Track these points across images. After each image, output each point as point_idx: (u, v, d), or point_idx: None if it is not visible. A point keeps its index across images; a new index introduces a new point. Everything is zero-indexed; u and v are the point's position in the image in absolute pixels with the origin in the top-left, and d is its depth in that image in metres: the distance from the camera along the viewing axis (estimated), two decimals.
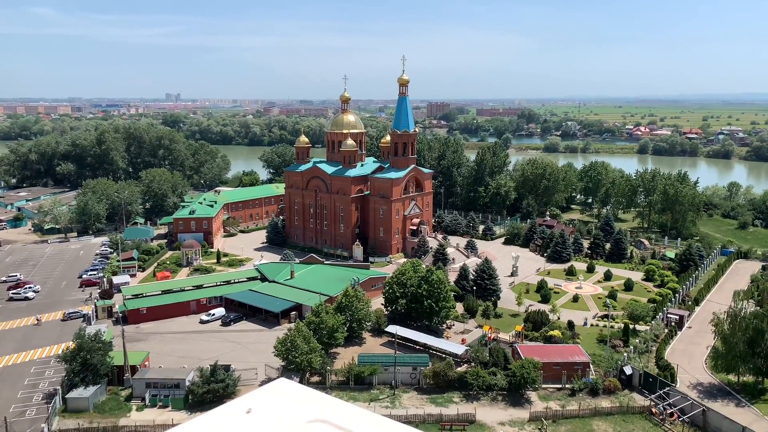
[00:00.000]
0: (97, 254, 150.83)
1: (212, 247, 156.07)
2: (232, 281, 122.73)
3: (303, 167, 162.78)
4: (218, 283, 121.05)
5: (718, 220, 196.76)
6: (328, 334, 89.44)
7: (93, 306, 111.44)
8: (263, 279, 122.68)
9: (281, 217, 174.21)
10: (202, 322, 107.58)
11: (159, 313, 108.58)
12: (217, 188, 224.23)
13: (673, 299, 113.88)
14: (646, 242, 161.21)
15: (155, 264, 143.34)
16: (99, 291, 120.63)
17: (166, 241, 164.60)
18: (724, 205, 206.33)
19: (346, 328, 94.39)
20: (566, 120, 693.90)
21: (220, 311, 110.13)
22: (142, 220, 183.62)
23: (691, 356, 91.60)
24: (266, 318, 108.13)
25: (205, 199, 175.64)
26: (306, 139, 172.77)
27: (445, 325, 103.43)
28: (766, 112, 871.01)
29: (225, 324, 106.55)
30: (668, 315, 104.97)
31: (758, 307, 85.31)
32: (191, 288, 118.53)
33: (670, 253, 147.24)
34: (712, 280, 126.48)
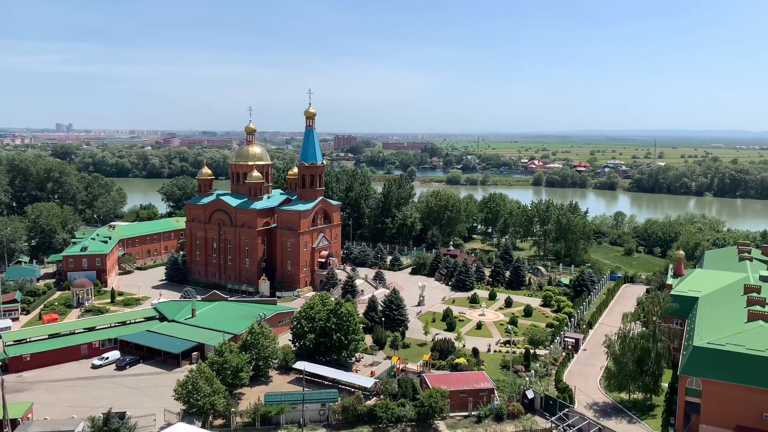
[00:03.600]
0: None
1: (106, 286, 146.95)
2: (128, 322, 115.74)
3: (205, 200, 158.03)
4: (112, 325, 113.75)
5: (607, 247, 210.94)
6: (232, 375, 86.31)
7: None
8: (162, 318, 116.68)
9: (182, 253, 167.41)
10: (94, 366, 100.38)
11: (45, 359, 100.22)
12: (112, 223, 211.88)
13: (569, 323, 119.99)
14: (543, 269, 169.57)
15: (41, 306, 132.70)
16: None
17: (54, 280, 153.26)
18: (612, 233, 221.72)
19: (251, 367, 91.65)
20: (466, 154, 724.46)
21: (114, 354, 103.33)
22: (26, 259, 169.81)
23: (587, 377, 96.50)
24: (166, 360, 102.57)
25: (98, 235, 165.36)
26: (209, 171, 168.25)
27: (354, 359, 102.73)
28: (645, 147, 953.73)
29: (120, 368, 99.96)
30: (565, 339, 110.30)
31: (644, 328, 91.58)
32: (82, 331, 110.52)
33: (565, 280, 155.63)
34: (603, 304, 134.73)
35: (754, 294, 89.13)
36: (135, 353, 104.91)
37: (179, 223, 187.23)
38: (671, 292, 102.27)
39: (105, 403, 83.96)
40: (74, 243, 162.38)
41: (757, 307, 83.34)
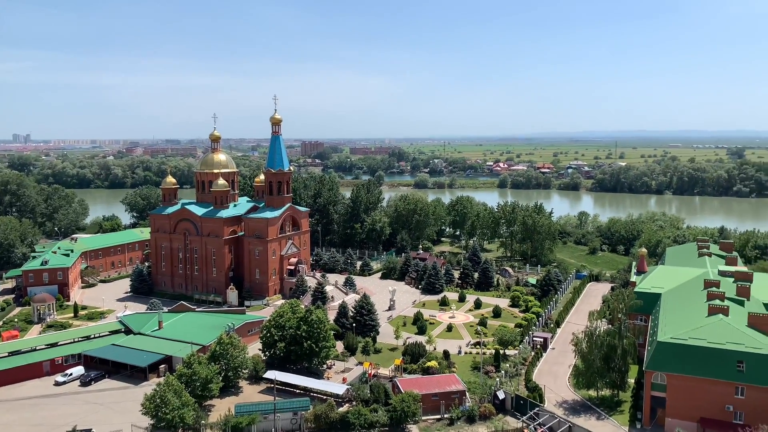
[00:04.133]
0: None
1: (69, 301, 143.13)
2: (93, 336, 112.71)
3: (170, 209, 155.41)
4: (76, 340, 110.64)
5: (572, 246, 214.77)
6: (201, 386, 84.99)
7: None
8: (128, 332, 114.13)
9: (147, 264, 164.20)
10: (57, 383, 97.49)
11: (5, 377, 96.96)
12: (74, 236, 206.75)
13: (537, 323, 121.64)
14: (510, 270, 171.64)
15: (0, 323, 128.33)
16: None
17: (13, 296, 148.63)
18: (576, 232, 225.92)
19: (221, 378, 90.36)
20: (433, 158, 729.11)
21: (78, 370, 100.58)
22: None
23: (556, 376, 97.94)
24: (132, 374, 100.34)
25: (59, 248, 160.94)
26: (173, 180, 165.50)
27: (325, 366, 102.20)
28: (606, 148, 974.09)
29: (84, 384, 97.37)
30: (534, 338, 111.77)
31: (610, 325, 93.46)
32: (44, 347, 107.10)
33: (532, 280, 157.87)
34: (569, 303, 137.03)
35: (714, 289, 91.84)
36: (100, 368, 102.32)
37: (144, 233, 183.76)
38: (635, 289, 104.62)
39: (70, 420, 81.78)
40: (34, 257, 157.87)
41: (717, 302, 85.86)
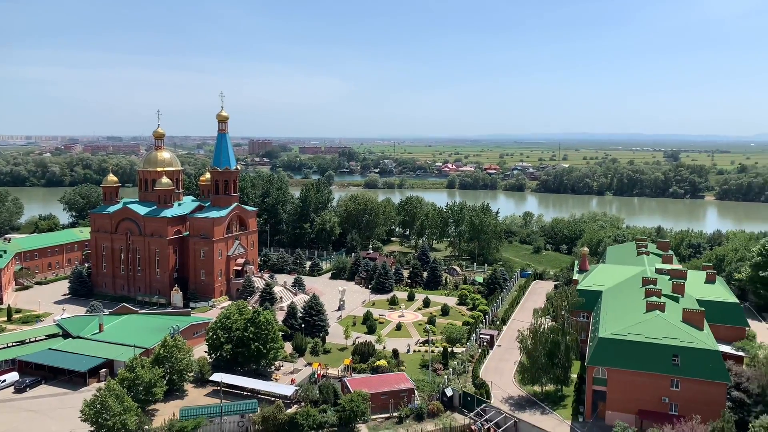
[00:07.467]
0: None
1: (1, 304, 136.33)
2: (28, 341, 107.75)
3: (112, 209, 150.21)
4: (9, 344, 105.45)
5: (517, 245, 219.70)
6: (144, 390, 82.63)
7: None
8: (66, 335, 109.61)
9: (87, 265, 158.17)
10: None
11: None
12: (7, 236, 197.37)
13: (484, 320, 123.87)
14: (458, 269, 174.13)
15: None
16: None
17: None
18: (521, 232, 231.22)
19: (165, 382, 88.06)
20: (383, 158, 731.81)
21: (12, 376, 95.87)
22: None
23: (502, 372, 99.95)
24: (71, 379, 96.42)
25: None
26: (115, 179, 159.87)
27: (273, 367, 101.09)
28: (550, 150, 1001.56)
29: (19, 390, 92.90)
30: (481, 335, 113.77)
31: (554, 323, 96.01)
32: None
33: (479, 278, 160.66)
34: (515, 301, 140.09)
35: (651, 286, 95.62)
36: (36, 374, 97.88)
37: (83, 233, 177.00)
38: (577, 287, 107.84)
39: (3, 429, 77.96)
40: None
41: (654, 298, 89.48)
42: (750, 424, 69.88)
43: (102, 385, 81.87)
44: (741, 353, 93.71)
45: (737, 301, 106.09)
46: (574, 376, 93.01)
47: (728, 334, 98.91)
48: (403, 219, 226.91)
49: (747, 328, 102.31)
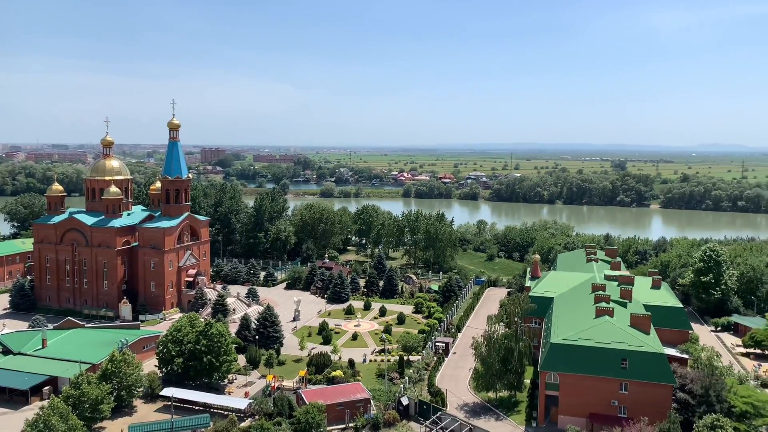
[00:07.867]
0: None
1: None
2: None
3: (57, 219, 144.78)
4: None
5: (471, 253, 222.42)
6: (91, 408, 79.68)
7: None
8: (6, 352, 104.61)
9: (29, 278, 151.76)
10: None
11: None
12: None
13: (439, 328, 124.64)
14: (414, 277, 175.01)
15: None
16: None
17: None
18: (475, 240, 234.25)
19: (113, 398, 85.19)
20: (339, 167, 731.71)
21: None
22: None
23: (457, 380, 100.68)
24: (11, 398, 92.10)
25: None
26: (60, 188, 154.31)
27: (226, 380, 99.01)
28: (502, 160, 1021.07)
29: None
30: (436, 343, 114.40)
31: (507, 329, 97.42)
32: None
33: (435, 286, 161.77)
34: (469, 308, 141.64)
35: (600, 292, 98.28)
36: None
37: (26, 245, 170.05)
38: (529, 294, 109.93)
39: None
40: None
41: (603, 304, 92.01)
42: (694, 424, 72.53)
43: (45, 403, 78.30)
44: (685, 356, 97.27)
45: (681, 305, 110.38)
46: (527, 381, 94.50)
47: (673, 338, 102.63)
48: (360, 228, 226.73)
49: (690, 332, 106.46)
